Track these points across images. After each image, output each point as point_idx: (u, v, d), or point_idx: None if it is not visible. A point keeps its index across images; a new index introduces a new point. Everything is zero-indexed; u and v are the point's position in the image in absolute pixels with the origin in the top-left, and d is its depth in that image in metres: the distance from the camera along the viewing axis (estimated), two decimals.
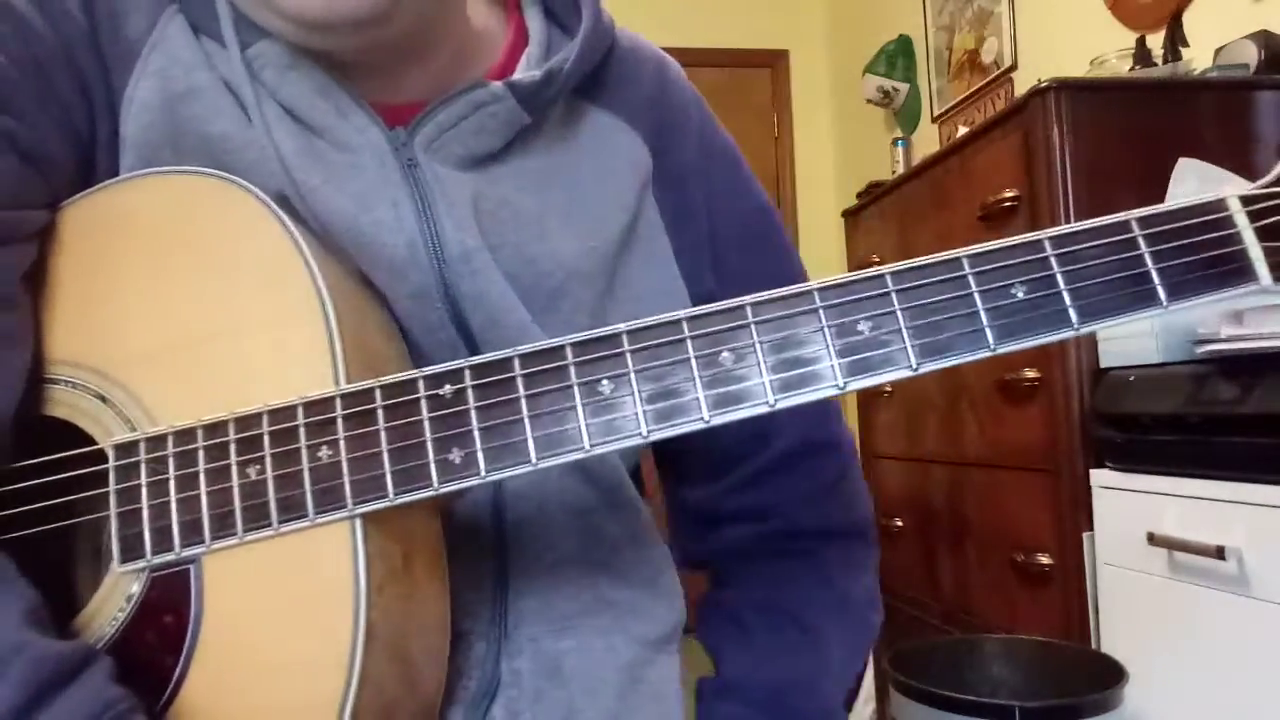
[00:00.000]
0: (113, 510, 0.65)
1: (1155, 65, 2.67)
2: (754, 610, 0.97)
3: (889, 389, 3.24)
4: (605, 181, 0.89)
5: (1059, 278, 0.60)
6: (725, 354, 0.61)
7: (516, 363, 0.62)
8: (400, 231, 0.78)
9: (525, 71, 0.87)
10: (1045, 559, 2.34)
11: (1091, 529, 2.16)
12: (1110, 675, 1.87)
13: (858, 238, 3.64)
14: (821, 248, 5.13)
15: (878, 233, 3.45)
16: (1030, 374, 2.38)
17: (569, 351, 0.62)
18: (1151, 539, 1.93)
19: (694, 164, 0.94)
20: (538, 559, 0.86)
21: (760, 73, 5.65)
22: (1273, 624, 1.67)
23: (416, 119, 0.81)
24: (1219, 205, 0.61)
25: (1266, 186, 0.61)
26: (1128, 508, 2.04)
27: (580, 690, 0.86)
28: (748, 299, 0.62)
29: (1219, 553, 1.74)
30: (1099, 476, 2.14)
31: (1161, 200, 1.86)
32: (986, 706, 1.82)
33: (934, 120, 4.60)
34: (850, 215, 3.73)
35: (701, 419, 0.60)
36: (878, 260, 3.37)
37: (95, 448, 0.67)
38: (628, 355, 0.61)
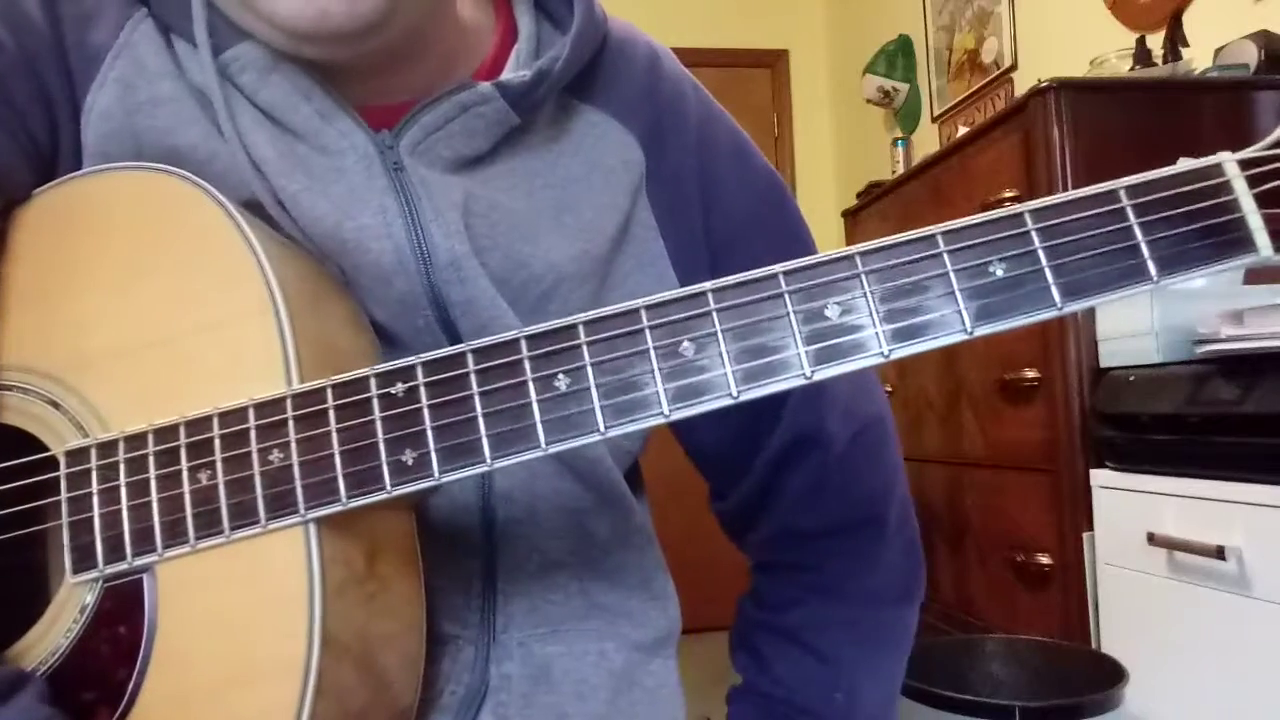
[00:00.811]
0: (64, 519, 0.63)
1: (1155, 65, 2.68)
2: (770, 638, 0.97)
3: (889, 388, 3.23)
4: (597, 182, 0.87)
5: (1041, 253, 0.56)
6: (686, 344, 0.58)
7: (470, 358, 0.60)
8: (387, 237, 0.76)
9: (514, 69, 0.85)
10: (1045, 559, 2.35)
11: (1091, 529, 2.18)
12: (1110, 675, 1.88)
13: (858, 237, 3.65)
14: (821, 247, 5.09)
15: (877, 233, 3.40)
16: (1030, 374, 2.38)
17: (524, 345, 0.59)
18: (1151, 539, 1.95)
19: (690, 160, 0.91)
20: (527, 561, 0.85)
21: (760, 73, 5.65)
22: (1273, 624, 1.67)
23: (402, 121, 0.79)
24: (1215, 170, 0.57)
25: (1267, 148, 0.57)
26: (1128, 508, 2.05)
27: (570, 695, 0.85)
28: (708, 285, 0.59)
29: (1219, 553, 1.75)
30: (1099, 476, 2.15)
31: None
32: (986, 706, 1.83)
33: (934, 120, 4.60)
34: (850, 215, 3.74)
35: (661, 413, 0.58)
36: None
37: (47, 454, 0.66)
38: (584, 348, 0.59)
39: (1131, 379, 2.06)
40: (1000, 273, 0.56)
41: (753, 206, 0.94)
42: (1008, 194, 2.47)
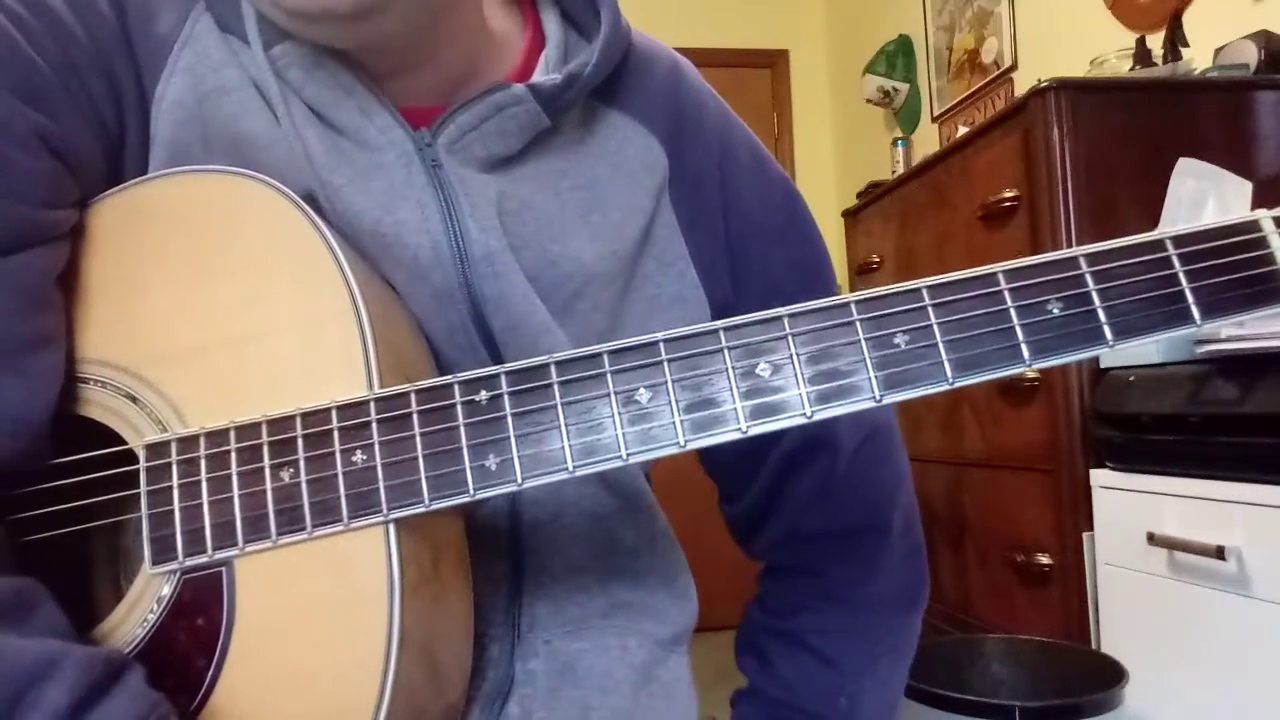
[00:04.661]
0: (144, 511, 0.65)
1: (1155, 65, 2.68)
2: (775, 641, 0.99)
3: None
4: (622, 184, 0.89)
5: (1094, 295, 0.60)
6: (762, 365, 0.61)
7: (553, 370, 0.62)
8: (424, 232, 0.78)
9: (543, 74, 0.86)
10: (1045, 559, 2.36)
11: (1091, 529, 2.18)
12: (1110, 675, 1.88)
13: (857, 238, 3.65)
14: None
15: (878, 233, 3.45)
16: (1030, 374, 2.39)
17: (606, 359, 0.62)
18: (1151, 539, 1.95)
19: (711, 165, 0.94)
20: (552, 563, 0.87)
21: (760, 73, 5.64)
22: (1273, 624, 1.68)
23: (439, 120, 0.81)
24: (1252, 225, 0.61)
25: None
26: (1128, 508, 2.05)
27: (594, 689, 0.87)
28: (784, 310, 0.62)
29: (1219, 553, 1.75)
30: (1099, 476, 2.15)
31: (1161, 199, 1.85)
32: (986, 706, 1.83)
33: (934, 120, 4.61)
34: (850, 215, 3.73)
35: (739, 429, 0.61)
36: (878, 261, 3.37)
37: (125, 447, 0.67)
38: (665, 364, 0.61)
39: (1132, 379, 2.06)
40: (1057, 311, 0.60)
41: (770, 214, 0.97)
42: (1008, 194, 2.47)
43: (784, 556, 1.02)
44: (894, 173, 4.22)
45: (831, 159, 5.71)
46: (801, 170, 5.57)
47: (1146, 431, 2.01)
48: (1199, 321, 0.59)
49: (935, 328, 0.61)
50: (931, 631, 2.77)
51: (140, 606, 0.65)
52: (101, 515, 0.70)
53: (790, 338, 0.61)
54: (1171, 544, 1.90)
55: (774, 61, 5.67)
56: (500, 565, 0.85)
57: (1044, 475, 2.37)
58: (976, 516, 2.75)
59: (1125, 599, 2.08)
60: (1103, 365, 2.21)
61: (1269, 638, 1.69)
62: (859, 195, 3.93)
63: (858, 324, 0.61)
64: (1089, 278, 0.60)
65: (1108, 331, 0.60)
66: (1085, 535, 2.20)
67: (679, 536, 0.99)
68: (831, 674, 0.96)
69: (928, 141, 4.56)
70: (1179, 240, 0.61)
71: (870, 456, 0.97)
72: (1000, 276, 0.61)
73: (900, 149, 4.57)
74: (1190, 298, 0.60)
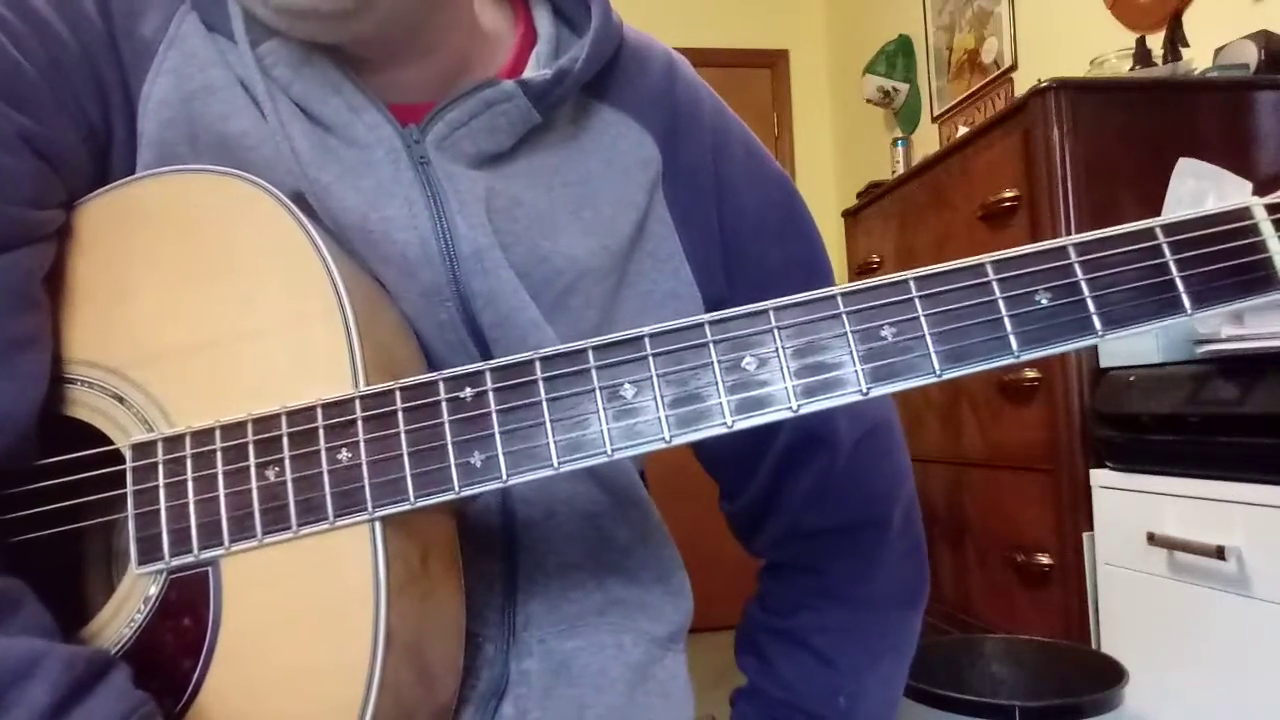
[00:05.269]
0: (130, 511, 0.65)
1: (1155, 65, 2.68)
2: (774, 640, 0.99)
3: None
4: (615, 179, 0.89)
5: (1083, 285, 0.59)
6: (748, 358, 0.60)
7: (538, 366, 0.62)
8: (413, 229, 0.77)
9: (535, 70, 0.86)
10: (1045, 559, 2.36)
11: (1091, 529, 2.18)
12: (1110, 675, 1.88)
13: (857, 238, 3.65)
14: None
15: (878, 233, 3.45)
16: (1030, 374, 2.39)
17: (591, 355, 0.62)
18: (1151, 539, 1.95)
19: (705, 161, 0.93)
20: (546, 562, 0.87)
21: (760, 73, 5.63)
22: (1273, 624, 1.68)
23: (429, 116, 0.80)
24: (1244, 213, 0.60)
25: None
26: (1128, 508, 2.05)
27: (589, 687, 0.86)
28: (770, 304, 0.61)
29: (1219, 553, 1.75)
30: (1099, 476, 2.15)
31: (1161, 199, 1.84)
32: (986, 706, 1.83)
33: (934, 120, 4.60)
34: (850, 215, 3.73)
35: (724, 423, 0.60)
36: (878, 260, 3.37)
37: (111, 448, 0.67)
38: (650, 359, 0.61)
39: (1132, 379, 2.06)
40: (1045, 302, 0.60)
41: (765, 209, 0.96)
42: (1008, 194, 2.47)
43: (784, 554, 1.02)
44: (894, 173, 4.22)
45: (831, 159, 5.70)
46: (801, 170, 5.56)
47: (1146, 431, 2.01)
48: (1190, 311, 0.59)
49: (922, 319, 0.60)
50: (931, 631, 2.77)
51: (127, 606, 0.65)
52: (91, 515, 0.70)
53: (776, 331, 0.61)
54: (1171, 544, 1.90)
55: (774, 61, 5.66)
56: (494, 564, 0.85)
57: (1044, 475, 2.37)
58: (976, 516, 2.74)
59: (1125, 599, 2.07)
60: (1103, 365, 2.21)
61: (1269, 638, 1.68)
62: (859, 195, 3.93)
63: (844, 316, 0.61)
64: (1078, 267, 0.60)
65: (1097, 321, 0.59)
66: (1085, 535, 2.20)
67: (677, 535, 0.98)
68: (831, 673, 0.95)
69: (928, 141, 4.56)
70: (1169, 229, 0.60)
71: (870, 452, 0.97)
72: (988, 267, 0.60)
73: (900, 149, 4.56)
74: (1181, 286, 0.59)
